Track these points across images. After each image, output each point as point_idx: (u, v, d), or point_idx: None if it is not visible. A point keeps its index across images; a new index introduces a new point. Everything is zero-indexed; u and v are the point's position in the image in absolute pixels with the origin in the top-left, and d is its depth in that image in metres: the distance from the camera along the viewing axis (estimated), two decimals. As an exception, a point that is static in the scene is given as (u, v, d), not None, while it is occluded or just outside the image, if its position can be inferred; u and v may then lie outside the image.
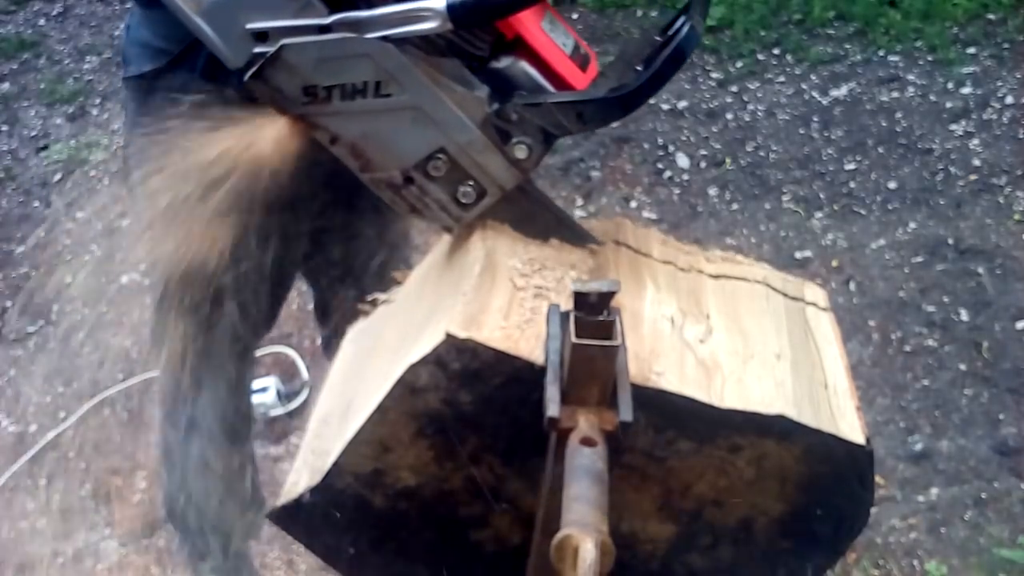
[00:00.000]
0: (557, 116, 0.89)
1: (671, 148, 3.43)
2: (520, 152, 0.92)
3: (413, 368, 0.88)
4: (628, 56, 0.98)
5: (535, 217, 1.02)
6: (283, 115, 0.92)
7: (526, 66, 0.91)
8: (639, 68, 0.90)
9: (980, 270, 2.83)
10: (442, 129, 0.90)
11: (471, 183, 0.94)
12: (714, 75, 3.83)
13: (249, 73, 0.88)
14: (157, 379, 1.60)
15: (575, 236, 1.04)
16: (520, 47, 0.90)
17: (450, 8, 0.83)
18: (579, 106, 0.88)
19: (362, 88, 0.88)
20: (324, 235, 1.43)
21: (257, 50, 0.88)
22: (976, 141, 3.36)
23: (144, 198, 1.00)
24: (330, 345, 1.69)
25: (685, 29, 0.84)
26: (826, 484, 0.92)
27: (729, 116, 3.59)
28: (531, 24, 0.90)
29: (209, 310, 1.29)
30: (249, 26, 0.87)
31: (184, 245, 0.99)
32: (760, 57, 3.92)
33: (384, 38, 0.85)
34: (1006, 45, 3.85)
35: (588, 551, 0.67)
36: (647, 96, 0.86)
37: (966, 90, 3.62)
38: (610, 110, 0.88)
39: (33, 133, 3.66)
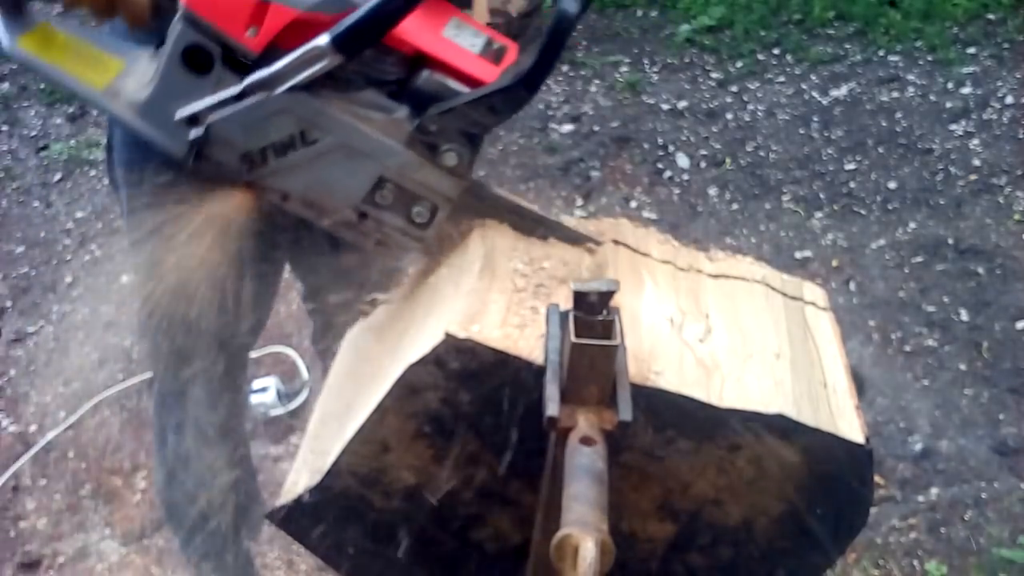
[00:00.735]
0: (471, 115, 0.91)
1: (671, 148, 3.43)
2: (451, 160, 0.94)
3: (413, 368, 0.88)
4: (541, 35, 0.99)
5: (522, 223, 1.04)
6: (233, 187, 0.96)
7: (438, 76, 0.93)
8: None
9: (980, 270, 2.83)
10: (375, 159, 0.94)
11: (421, 202, 0.96)
12: (714, 75, 3.84)
13: (192, 157, 0.93)
14: (150, 382, 1.60)
15: (572, 236, 1.04)
16: (429, 60, 0.93)
17: (333, 42, 0.86)
18: (487, 100, 0.90)
19: (290, 141, 0.92)
20: (309, 234, 1.44)
21: (192, 135, 0.92)
22: (976, 141, 3.36)
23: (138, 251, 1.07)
24: (319, 339, 1.70)
25: (562, 2, 0.86)
26: (826, 484, 0.92)
27: (729, 116, 3.59)
28: (428, 35, 0.93)
29: (196, 320, 1.30)
30: (179, 115, 0.92)
31: (168, 269, 1.02)
32: (760, 57, 3.92)
33: (293, 88, 0.89)
34: (1006, 45, 3.86)
35: (588, 550, 0.67)
36: (545, 71, 0.88)
37: (966, 90, 3.62)
38: (516, 95, 0.89)
39: (33, 133, 3.67)
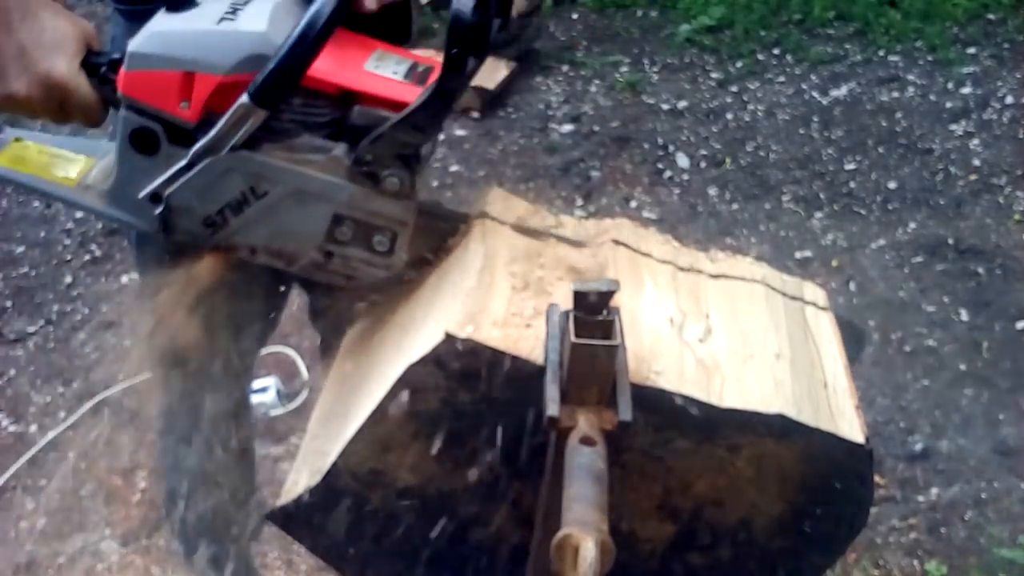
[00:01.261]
0: (398, 137, 0.93)
1: (671, 148, 3.43)
2: (393, 184, 0.96)
3: (413, 368, 0.88)
4: None
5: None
6: (205, 253, 1.02)
7: (368, 108, 0.96)
8: None
9: (980, 270, 2.83)
10: (324, 198, 0.97)
11: (379, 231, 0.99)
12: (714, 75, 3.83)
13: (161, 231, 0.99)
14: (151, 384, 1.61)
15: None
16: (356, 95, 0.96)
17: (252, 97, 0.90)
18: (408, 120, 0.92)
19: (243, 198, 0.97)
20: None
21: (157, 211, 0.98)
22: (976, 141, 3.36)
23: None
24: (328, 349, 1.71)
25: (454, 4, 0.87)
26: (826, 484, 0.92)
27: (729, 116, 3.59)
28: (350, 72, 0.96)
29: (203, 328, 1.32)
30: (140, 195, 0.98)
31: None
32: (760, 57, 3.92)
33: (234, 148, 0.93)
34: (1006, 45, 3.86)
35: (588, 550, 0.67)
36: (452, 78, 0.89)
37: (966, 90, 3.62)
38: (433, 108, 0.91)
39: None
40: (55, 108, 0.99)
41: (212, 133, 0.93)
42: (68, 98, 0.98)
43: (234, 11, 0.94)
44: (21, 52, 0.95)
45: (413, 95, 0.94)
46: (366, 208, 0.97)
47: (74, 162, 1.06)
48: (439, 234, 1.07)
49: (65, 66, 0.96)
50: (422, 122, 0.92)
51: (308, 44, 0.89)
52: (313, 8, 0.89)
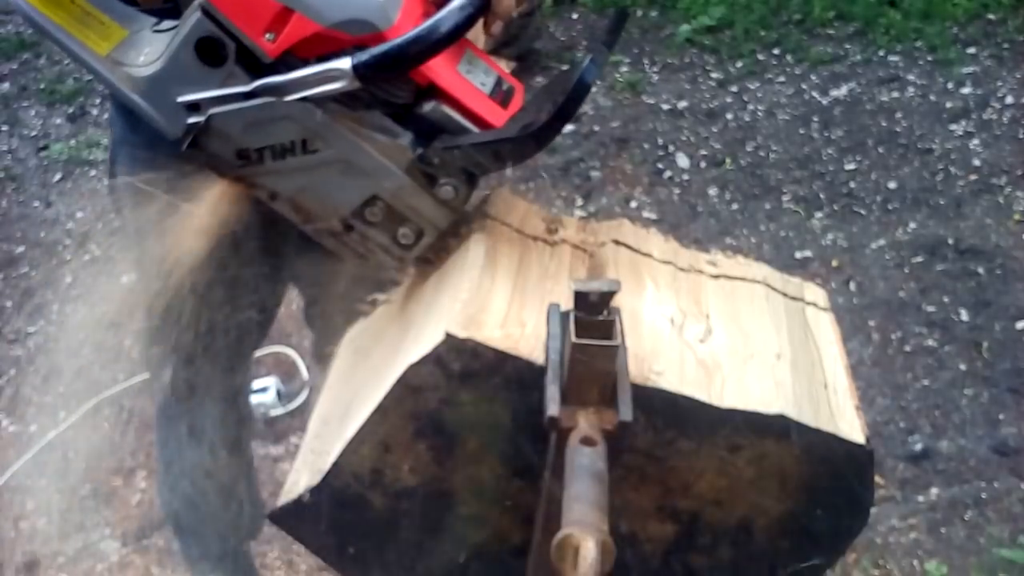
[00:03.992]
0: (476, 157, 0.92)
1: (671, 148, 3.43)
2: (447, 193, 0.95)
3: (413, 368, 0.88)
4: (551, 87, 1.01)
5: None
6: (223, 178, 0.97)
7: (447, 109, 0.94)
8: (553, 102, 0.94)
9: (980, 270, 2.83)
10: (371, 177, 0.95)
11: (408, 224, 0.98)
12: (714, 75, 3.83)
13: (186, 143, 0.94)
14: (151, 384, 1.61)
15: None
16: (440, 92, 0.94)
17: (355, 68, 0.87)
18: (494, 145, 0.91)
19: (290, 147, 0.93)
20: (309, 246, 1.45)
21: (191, 120, 0.93)
22: (976, 141, 3.36)
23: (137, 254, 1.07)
24: (321, 349, 1.70)
25: (587, 62, 0.88)
26: (826, 484, 0.92)
27: (729, 116, 3.59)
28: (444, 70, 0.93)
29: (200, 324, 1.31)
30: (180, 99, 0.92)
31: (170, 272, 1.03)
32: (760, 57, 3.92)
33: (303, 99, 0.90)
34: (1006, 45, 3.86)
35: (589, 550, 0.67)
36: (556, 130, 0.89)
37: (966, 90, 3.62)
38: (523, 147, 0.91)
39: (33, 133, 3.66)
40: None
41: (290, 76, 0.89)
42: None
43: None
44: None
45: (496, 116, 0.93)
46: (409, 202, 0.96)
47: (107, 27, 0.96)
48: (455, 239, 1.06)
49: None
50: (507, 154, 0.92)
51: (434, 41, 0.86)
52: (448, 8, 0.87)
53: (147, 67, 0.94)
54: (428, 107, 0.94)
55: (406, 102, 0.95)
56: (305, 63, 0.89)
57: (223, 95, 0.91)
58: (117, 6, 0.99)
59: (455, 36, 0.87)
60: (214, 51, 0.91)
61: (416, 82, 0.94)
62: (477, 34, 1.17)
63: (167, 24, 0.95)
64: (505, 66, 3.73)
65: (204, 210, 0.99)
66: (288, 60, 0.90)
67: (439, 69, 0.93)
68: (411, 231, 0.98)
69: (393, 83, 0.93)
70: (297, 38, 0.89)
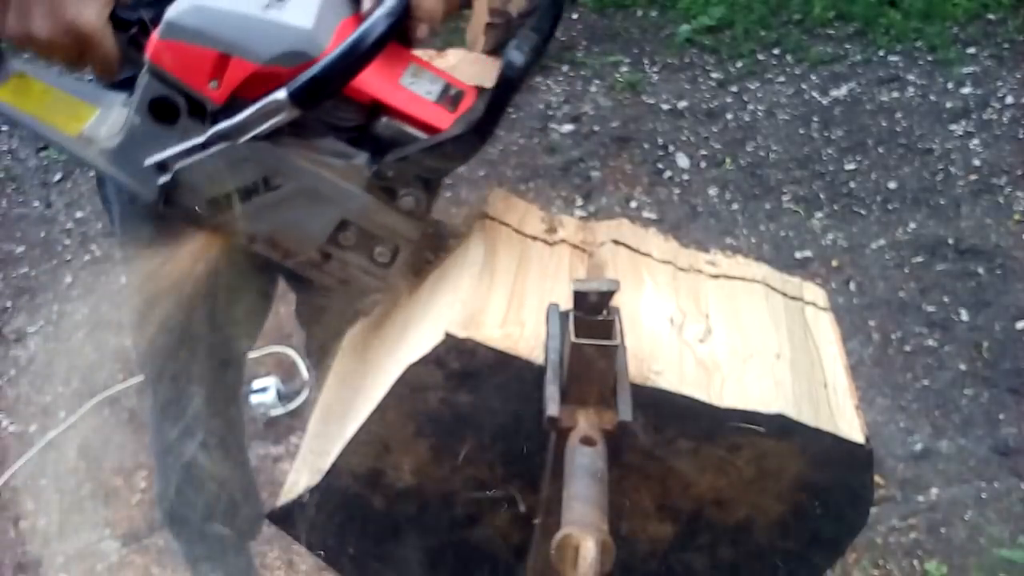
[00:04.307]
0: (426, 162, 0.94)
1: (671, 148, 3.44)
2: (408, 204, 0.96)
3: (413, 368, 0.88)
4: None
5: None
6: (202, 230, 1.00)
7: (396, 123, 0.95)
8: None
9: (980, 270, 2.83)
10: (336, 202, 0.96)
11: (383, 243, 0.99)
12: (714, 75, 3.84)
13: (161, 202, 0.97)
14: (145, 387, 1.61)
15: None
16: (387, 107, 0.96)
17: (291, 96, 0.88)
18: (440, 147, 0.92)
19: (254, 187, 0.95)
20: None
21: (161, 181, 0.96)
22: (976, 141, 3.36)
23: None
24: (314, 347, 1.71)
25: (511, 47, 0.90)
26: (826, 483, 0.92)
27: (729, 116, 3.59)
28: (385, 85, 0.95)
29: (192, 324, 1.32)
30: (147, 162, 0.95)
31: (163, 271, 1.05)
32: (760, 57, 3.92)
33: (255, 137, 0.92)
34: (1006, 45, 3.86)
35: (589, 550, 0.67)
36: (495, 120, 0.91)
37: (966, 90, 3.62)
38: (467, 143, 0.92)
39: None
40: (74, 56, 0.95)
41: (237, 119, 0.91)
42: (90, 50, 0.94)
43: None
44: None
45: (443, 120, 0.94)
46: (376, 220, 0.97)
47: (77, 108, 1.02)
48: (435, 251, 1.08)
49: (94, 16, 0.92)
50: (454, 152, 0.93)
51: (359, 56, 0.88)
52: (368, 21, 0.89)
53: (113, 139, 0.98)
54: (379, 124, 0.96)
55: (359, 124, 0.97)
56: (256, 102, 0.91)
57: (183, 150, 0.94)
58: (86, 88, 1.04)
59: (378, 47, 0.89)
60: (167, 110, 0.94)
61: (361, 102, 0.95)
62: (476, 34, 1.17)
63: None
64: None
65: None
66: (237, 104, 0.92)
67: (380, 85, 0.94)
68: (387, 249, 1.00)
69: (340, 108, 0.95)
70: (239, 80, 0.91)
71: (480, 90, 1.00)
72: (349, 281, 1.03)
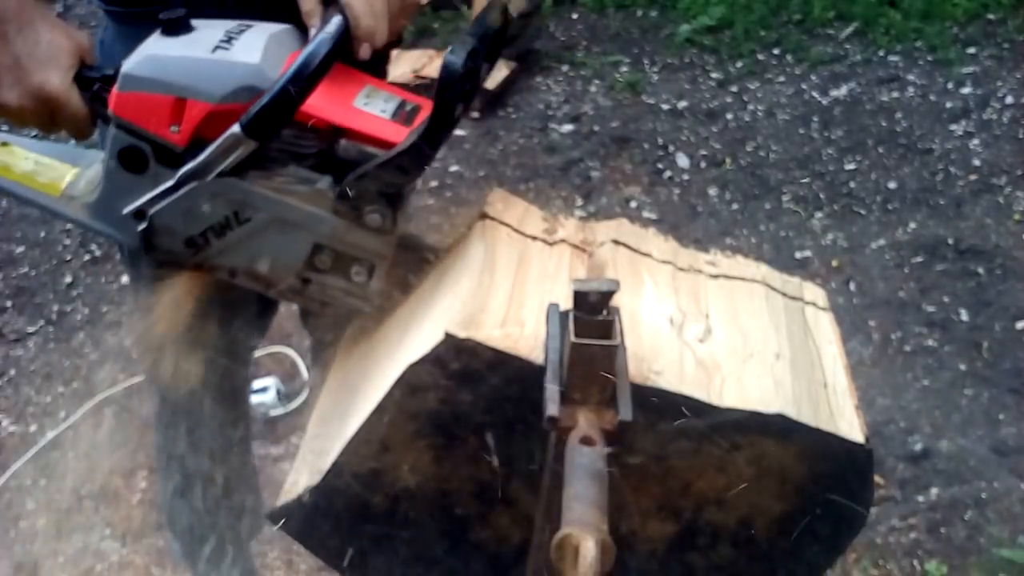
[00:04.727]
0: (383, 177, 0.95)
1: (671, 148, 3.44)
2: (375, 221, 0.98)
3: (413, 368, 0.88)
4: None
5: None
6: (184, 270, 1.03)
7: (355, 144, 0.98)
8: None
9: (980, 270, 2.83)
10: (306, 228, 0.99)
11: (358, 263, 1.02)
12: (714, 75, 3.84)
13: (143, 248, 1.01)
14: (147, 387, 1.61)
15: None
16: (341, 129, 0.98)
17: (244, 130, 0.92)
18: (394, 161, 0.94)
19: (226, 222, 0.99)
20: None
21: (140, 228, 1.00)
22: (976, 141, 3.36)
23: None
24: (319, 349, 1.71)
25: (445, 58, 0.91)
26: (826, 483, 0.92)
27: (729, 116, 3.59)
28: (339, 108, 0.98)
29: (199, 326, 1.33)
30: (125, 211, 0.99)
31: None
32: (760, 57, 3.93)
33: (221, 174, 0.95)
34: (1006, 45, 3.86)
35: (589, 550, 0.67)
36: (441, 126, 0.93)
37: (966, 90, 3.62)
38: (419, 153, 0.94)
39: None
40: (46, 120, 1.00)
41: (200, 158, 0.95)
42: (59, 111, 0.99)
43: (229, 40, 0.96)
44: (16, 63, 0.96)
45: (399, 135, 0.95)
46: (346, 240, 0.99)
47: (59, 170, 1.07)
48: (414, 265, 1.09)
49: (58, 80, 0.97)
50: (407, 164, 0.94)
51: (302, 82, 0.91)
52: (309, 47, 0.92)
53: (92, 193, 1.03)
54: (340, 148, 0.99)
55: (320, 149, 0.99)
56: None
57: (156, 195, 0.98)
58: (66, 149, 1.09)
59: (321, 71, 0.91)
60: (136, 159, 0.97)
61: (320, 128, 0.98)
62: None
63: None
64: (505, 67, 3.73)
65: None
66: (200, 143, 0.95)
67: (333, 109, 0.97)
68: (363, 268, 1.02)
69: (300, 136, 0.97)
70: (197, 121, 0.94)
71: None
72: (330, 304, 1.05)
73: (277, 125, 0.93)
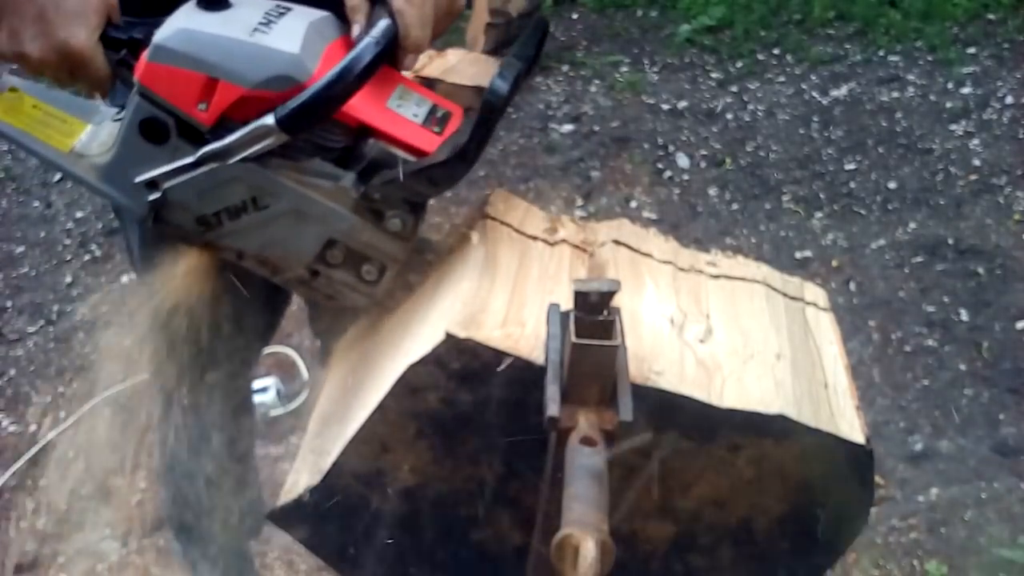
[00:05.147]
0: (412, 186, 0.95)
1: (671, 148, 3.43)
2: (395, 226, 0.98)
3: (413, 368, 0.88)
4: None
5: None
6: (191, 247, 1.02)
7: (383, 145, 0.97)
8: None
9: (980, 270, 2.83)
10: (323, 222, 0.98)
11: (370, 262, 1.01)
12: (714, 75, 3.83)
13: (151, 219, 0.99)
14: (151, 387, 1.61)
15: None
16: (372, 130, 0.97)
17: (279, 123, 0.90)
18: (426, 172, 0.94)
19: (243, 206, 0.97)
20: None
21: (151, 198, 0.97)
22: (976, 141, 3.36)
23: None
24: (327, 352, 1.71)
25: (495, 75, 0.91)
26: (826, 484, 0.92)
27: (729, 116, 3.59)
28: (372, 108, 0.96)
29: (204, 331, 1.32)
30: (137, 179, 0.97)
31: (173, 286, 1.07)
32: (760, 57, 3.92)
33: (244, 159, 0.93)
34: (1006, 45, 3.86)
35: (588, 550, 0.67)
36: (480, 146, 0.92)
37: (966, 90, 3.62)
38: (453, 169, 0.93)
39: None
40: (65, 75, 0.97)
41: (226, 141, 0.93)
42: (81, 69, 0.95)
43: (268, 23, 0.93)
44: (41, 15, 0.93)
45: (430, 143, 0.95)
46: (363, 240, 0.99)
47: (68, 124, 1.03)
48: (415, 265, 1.09)
49: (84, 37, 0.93)
50: (439, 177, 0.94)
51: (347, 84, 0.89)
52: (356, 50, 0.90)
53: (104, 155, 0.99)
54: (366, 146, 0.97)
55: (346, 145, 0.98)
56: (245, 124, 0.93)
57: (173, 169, 0.96)
58: (78, 102, 1.04)
59: (366, 76, 0.90)
60: (157, 130, 0.95)
61: (348, 125, 0.96)
62: (476, 34, 1.17)
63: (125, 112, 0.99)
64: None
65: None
66: (227, 124, 0.93)
67: (367, 108, 0.95)
68: (374, 267, 1.01)
69: (328, 130, 0.96)
70: (227, 104, 0.92)
71: (467, 111, 1.01)
72: (336, 298, 1.04)
73: (312, 123, 0.91)
